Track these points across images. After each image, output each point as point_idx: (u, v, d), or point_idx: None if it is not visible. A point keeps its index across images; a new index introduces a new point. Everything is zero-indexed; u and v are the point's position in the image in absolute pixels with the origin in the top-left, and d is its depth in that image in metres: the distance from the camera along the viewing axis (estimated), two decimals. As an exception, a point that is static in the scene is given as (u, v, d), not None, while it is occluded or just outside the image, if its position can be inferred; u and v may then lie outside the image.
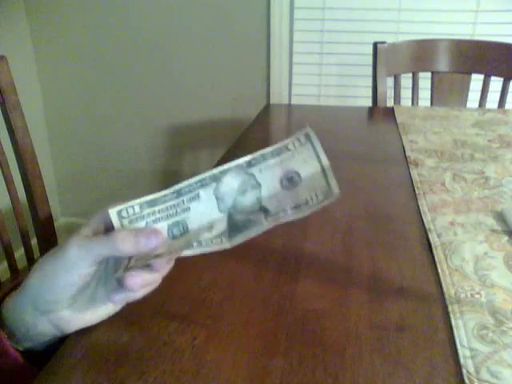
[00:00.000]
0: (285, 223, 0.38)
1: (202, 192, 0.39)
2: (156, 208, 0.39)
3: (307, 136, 0.38)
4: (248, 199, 0.39)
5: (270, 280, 0.49)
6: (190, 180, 0.39)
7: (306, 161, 0.38)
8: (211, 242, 0.38)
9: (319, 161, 0.38)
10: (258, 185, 0.39)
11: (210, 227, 0.38)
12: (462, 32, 1.62)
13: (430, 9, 1.63)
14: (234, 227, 0.38)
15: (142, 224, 0.39)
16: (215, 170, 0.39)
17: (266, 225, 0.37)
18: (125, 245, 0.36)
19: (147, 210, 0.39)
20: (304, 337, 0.41)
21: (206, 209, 0.39)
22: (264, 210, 0.38)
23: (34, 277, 0.38)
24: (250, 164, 0.39)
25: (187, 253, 0.37)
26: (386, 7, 1.66)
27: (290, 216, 0.37)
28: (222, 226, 0.38)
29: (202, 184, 0.39)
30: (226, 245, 0.37)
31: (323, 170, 0.38)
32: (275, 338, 0.41)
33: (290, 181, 0.38)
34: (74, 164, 2.07)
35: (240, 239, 0.37)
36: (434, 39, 1.37)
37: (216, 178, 0.39)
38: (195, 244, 0.38)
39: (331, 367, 0.37)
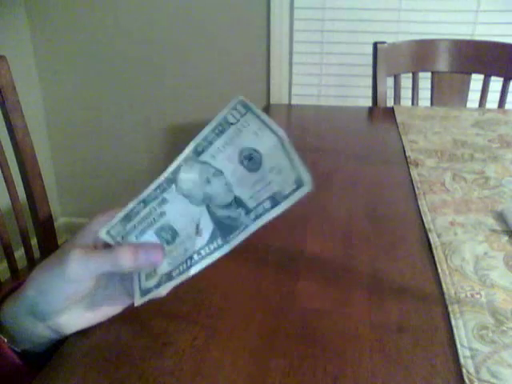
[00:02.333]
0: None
1: (166, 196, 0.38)
2: (133, 222, 0.39)
3: (245, 105, 0.34)
4: (217, 188, 0.36)
5: (270, 280, 0.49)
6: (147, 189, 0.38)
7: (258, 134, 0.34)
8: (209, 250, 0.37)
9: (272, 131, 0.34)
10: (220, 172, 0.36)
11: (199, 230, 0.37)
12: (462, 32, 1.63)
13: (430, 9, 1.63)
14: (221, 226, 0.37)
15: (132, 239, 0.39)
16: (166, 173, 0.37)
17: (251, 226, 0.35)
18: (125, 260, 0.36)
19: (128, 225, 0.39)
20: (304, 337, 0.41)
21: (181, 207, 0.38)
22: (241, 205, 0.36)
23: (31, 287, 0.38)
24: (197, 152, 0.36)
25: (194, 270, 0.37)
26: (386, 7, 1.66)
27: (271, 213, 0.34)
28: (208, 224, 0.37)
29: (162, 190, 0.38)
30: (225, 248, 0.36)
31: (282, 143, 0.33)
32: (275, 337, 0.41)
33: (250, 159, 0.35)
34: (73, 164, 2.07)
35: (235, 242, 0.36)
36: (434, 39, 1.37)
37: (172, 180, 0.37)
38: (196, 256, 0.37)
39: (331, 367, 0.37)
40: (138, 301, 0.38)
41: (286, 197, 0.34)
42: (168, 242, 0.39)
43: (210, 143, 0.35)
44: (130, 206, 0.38)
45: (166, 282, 0.37)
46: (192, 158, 0.36)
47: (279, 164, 0.34)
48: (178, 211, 0.38)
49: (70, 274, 0.36)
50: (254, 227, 0.35)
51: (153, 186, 0.38)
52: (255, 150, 0.34)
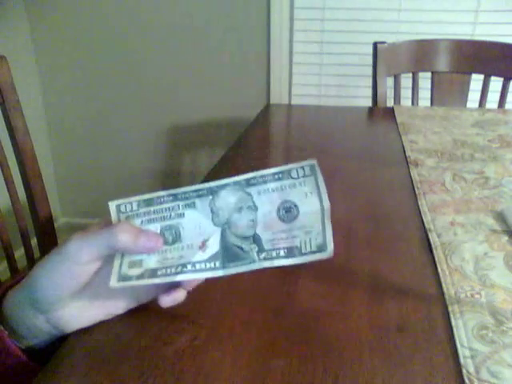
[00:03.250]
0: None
1: (198, 201, 0.39)
2: (152, 208, 0.39)
3: (312, 168, 0.37)
4: (243, 219, 0.38)
5: (269, 280, 0.49)
6: (188, 187, 0.39)
7: (307, 196, 0.37)
8: (205, 267, 0.38)
9: (320, 200, 0.37)
10: (255, 207, 0.38)
11: (204, 246, 0.38)
12: (461, 32, 1.63)
13: (429, 9, 1.64)
14: (227, 252, 0.38)
15: (137, 222, 0.39)
16: (213, 184, 0.39)
17: (257, 264, 0.37)
18: (125, 236, 0.36)
19: (143, 209, 0.39)
20: (304, 337, 0.41)
21: (201, 219, 0.39)
22: (257, 242, 0.37)
23: (33, 274, 0.38)
24: (249, 183, 0.38)
25: (182, 277, 0.38)
26: (386, 7, 1.66)
27: (282, 261, 0.36)
28: (215, 244, 0.38)
29: (199, 194, 0.39)
30: (219, 272, 0.37)
31: (322, 212, 0.36)
32: (275, 338, 0.41)
33: (288, 212, 0.37)
34: (73, 164, 2.07)
35: (233, 271, 0.37)
36: (434, 39, 1.37)
37: (213, 192, 0.39)
38: (189, 266, 0.38)
39: (331, 367, 0.37)
40: (115, 284, 0.38)
41: (303, 254, 0.36)
42: (166, 243, 0.39)
43: (265, 182, 0.38)
44: (160, 193, 0.39)
45: (148, 278, 0.38)
46: (242, 184, 0.38)
47: (311, 226, 0.36)
48: (196, 221, 0.39)
49: (71, 250, 0.36)
50: (258, 266, 0.37)
51: (193, 188, 0.39)
52: (296, 206, 0.37)
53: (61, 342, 0.40)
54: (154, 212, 0.39)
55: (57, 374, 0.37)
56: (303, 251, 0.36)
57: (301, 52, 1.78)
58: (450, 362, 0.38)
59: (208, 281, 0.49)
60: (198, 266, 0.38)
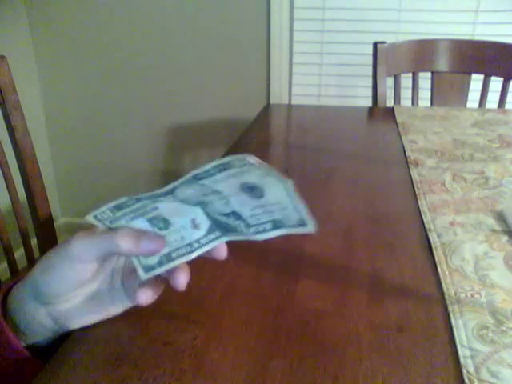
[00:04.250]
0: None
1: (161, 198, 0.37)
2: (124, 211, 0.38)
3: (248, 162, 0.33)
4: (214, 201, 0.36)
5: (269, 280, 0.49)
6: (146, 194, 0.37)
7: (263, 177, 0.33)
8: (208, 240, 0.38)
9: (277, 179, 0.32)
10: (218, 192, 0.35)
11: (196, 224, 0.38)
12: (462, 32, 1.63)
13: (430, 9, 1.63)
14: (219, 224, 0.37)
15: (121, 224, 0.38)
16: (163, 189, 0.36)
17: (252, 235, 0.36)
18: (124, 241, 0.36)
19: (118, 213, 0.38)
20: (304, 337, 0.41)
21: (175, 206, 0.38)
22: (240, 219, 0.36)
23: (36, 268, 0.38)
24: (197, 177, 0.35)
25: (196, 254, 0.38)
26: (386, 7, 1.66)
27: (271, 233, 0.35)
28: (205, 220, 0.38)
29: (158, 200, 0.37)
30: (224, 239, 0.37)
31: (286, 190, 0.33)
32: (275, 338, 0.41)
33: (252, 190, 0.34)
34: (74, 164, 2.07)
35: (234, 237, 0.37)
36: (434, 39, 1.37)
37: (169, 193, 0.36)
38: (196, 244, 0.38)
39: (331, 367, 0.37)
40: (144, 276, 0.38)
41: (288, 227, 0.34)
42: (161, 229, 0.39)
43: (211, 175, 0.34)
44: (123, 199, 0.38)
45: (168, 262, 0.38)
46: (191, 181, 0.35)
47: (283, 203, 0.34)
48: (172, 208, 0.38)
49: (74, 250, 0.36)
50: (253, 237, 0.36)
51: (148, 194, 0.37)
52: (257, 185, 0.34)
53: (61, 341, 0.40)
54: (130, 212, 0.38)
55: (57, 374, 0.37)
56: (286, 224, 0.35)
57: (301, 52, 1.78)
58: (450, 362, 0.38)
59: (208, 280, 0.49)
60: (202, 241, 0.38)
